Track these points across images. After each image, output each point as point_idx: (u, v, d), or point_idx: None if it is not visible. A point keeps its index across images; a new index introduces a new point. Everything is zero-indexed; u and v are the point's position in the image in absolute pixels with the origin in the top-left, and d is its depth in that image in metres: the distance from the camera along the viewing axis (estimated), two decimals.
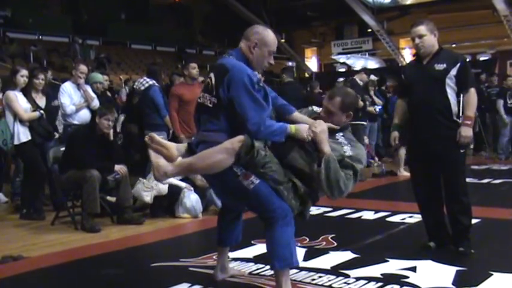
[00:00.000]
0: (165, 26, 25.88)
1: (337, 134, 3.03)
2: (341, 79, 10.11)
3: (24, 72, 5.60)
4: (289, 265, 2.88)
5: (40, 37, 20.14)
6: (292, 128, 2.83)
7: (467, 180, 3.99)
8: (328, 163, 2.80)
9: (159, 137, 2.98)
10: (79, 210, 5.17)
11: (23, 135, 5.44)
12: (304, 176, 2.88)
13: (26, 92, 5.56)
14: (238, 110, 2.73)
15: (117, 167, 5.08)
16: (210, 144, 2.76)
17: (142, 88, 6.79)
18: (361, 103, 8.04)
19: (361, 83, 8.66)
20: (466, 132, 3.71)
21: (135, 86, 7.67)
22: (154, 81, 6.70)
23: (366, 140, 9.02)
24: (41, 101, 5.68)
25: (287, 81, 8.36)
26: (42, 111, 5.57)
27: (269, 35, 2.94)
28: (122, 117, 7.39)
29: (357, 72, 8.60)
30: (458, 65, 3.72)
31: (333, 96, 3.07)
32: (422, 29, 3.76)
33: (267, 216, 2.83)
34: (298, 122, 3.01)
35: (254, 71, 2.88)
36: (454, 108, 3.76)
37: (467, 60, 3.99)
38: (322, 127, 2.90)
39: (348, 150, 2.95)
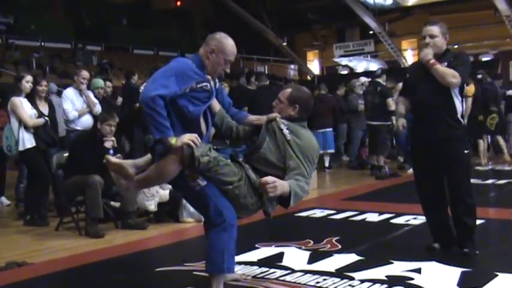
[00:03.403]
0: (166, 30, 25.94)
1: (282, 124, 3.01)
2: (364, 78, 10.02)
3: (29, 78, 5.63)
4: (219, 271, 2.92)
5: (42, 43, 20.22)
6: (173, 139, 2.72)
7: (472, 181, 3.97)
8: (296, 195, 2.85)
9: (114, 158, 3.15)
10: (83, 215, 5.18)
11: (27, 141, 5.44)
12: (272, 169, 2.91)
13: (31, 98, 5.59)
14: None
15: None
16: (159, 144, 2.81)
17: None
18: (393, 103, 8.03)
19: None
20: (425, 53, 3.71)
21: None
22: None
23: None
24: (44, 108, 5.69)
25: (262, 84, 8.35)
26: (46, 118, 5.58)
27: (228, 44, 2.92)
28: None
29: (369, 73, 8.54)
30: (457, 55, 3.78)
31: (286, 88, 3.25)
32: (435, 29, 3.74)
33: (208, 220, 2.93)
34: (253, 123, 3.09)
35: (205, 74, 2.87)
36: (459, 106, 3.75)
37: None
38: (273, 184, 2.74)
39: (288, 135, 2.96)
